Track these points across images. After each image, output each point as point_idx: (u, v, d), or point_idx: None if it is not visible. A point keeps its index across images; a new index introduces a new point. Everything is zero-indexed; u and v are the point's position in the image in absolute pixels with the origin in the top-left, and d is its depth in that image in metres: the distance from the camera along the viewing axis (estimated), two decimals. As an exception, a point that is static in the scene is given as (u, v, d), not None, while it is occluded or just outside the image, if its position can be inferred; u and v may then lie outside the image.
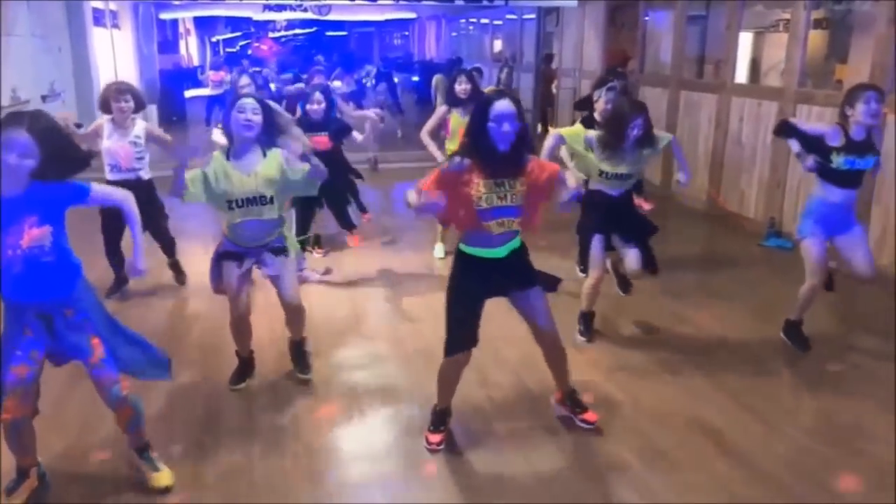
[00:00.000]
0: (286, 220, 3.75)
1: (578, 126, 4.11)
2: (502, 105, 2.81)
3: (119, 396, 2.70)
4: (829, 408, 3.61)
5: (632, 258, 4.17)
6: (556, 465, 3.09)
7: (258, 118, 3.41)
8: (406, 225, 6.84)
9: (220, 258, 3.56)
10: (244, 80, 5.68)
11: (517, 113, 2.84)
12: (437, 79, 11.58)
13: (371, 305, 5.00)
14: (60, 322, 2.63)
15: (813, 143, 3.94)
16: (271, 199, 3.44)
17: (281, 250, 3.59)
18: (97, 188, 2.69)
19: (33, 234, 2.51)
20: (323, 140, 5.26)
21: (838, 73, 8.75)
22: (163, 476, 2.86)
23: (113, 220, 4.88)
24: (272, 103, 4.90)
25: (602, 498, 2.88)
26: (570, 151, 4.24)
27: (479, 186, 2.86)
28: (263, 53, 27.09)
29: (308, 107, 5.29)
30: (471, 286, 3.03)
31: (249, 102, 3.43)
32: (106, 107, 4.72)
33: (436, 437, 3.21)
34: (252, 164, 3.42)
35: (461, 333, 3.03)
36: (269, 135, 3.49)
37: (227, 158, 3.42)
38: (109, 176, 4.79)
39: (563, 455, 3.17)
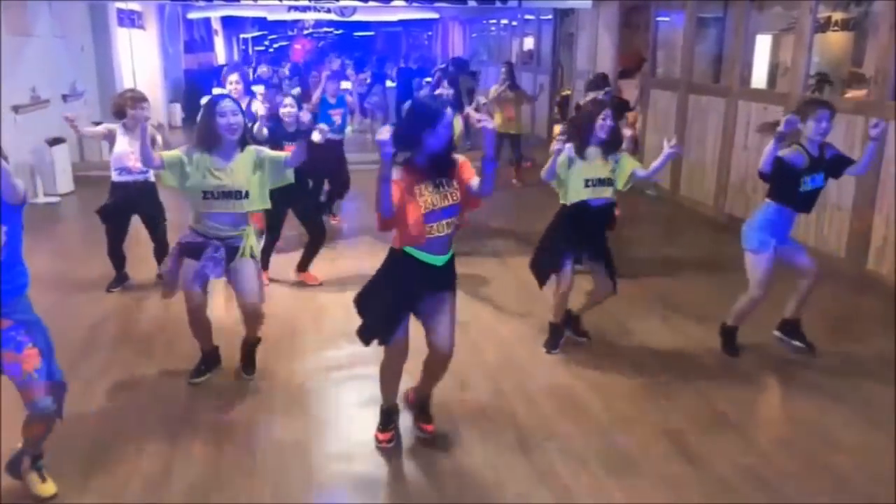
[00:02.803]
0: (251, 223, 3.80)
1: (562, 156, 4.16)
2: (449, 113, 2.94)
3: (50, 407, 2.70)
4: (802, 417, 3.58)
5: (606, 285, 4.20)
6: (515, 467, 3.13)
7: (239, 118, 3.56)
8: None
9: (181, 253, 3.65)
10: (233, 76, 5.77)
11: (452, 121, 2.96)
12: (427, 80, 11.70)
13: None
14: (4, 337, 2.62)
15: (784, 169, 3.91)
16: (247, 193, 3.59)
17: (237, 250, 3.66)
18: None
19: None
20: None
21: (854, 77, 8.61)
22: (48, 486, 2.86)
23: (115, 220, 5.11)
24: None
25: (553, 499, 2.92)
26: (561, 185, 4.14)
27: (423, 191, 2.93)
28: (296, 53, 27.42)
29: (282, 111, 5.27)
30: (406, 288, 3.03)
31: (228, 106, 3.55)
32: (120, 113, 4.90)
33: (384, 435, 3.29)
34: (231, 161, 3.58)
35: (382, 326, 3.04)
36: (245, 130, 3.65)
37: (209, 155, 3.55)
38: (118, 178, 5.00)
39: (524, 456, 3.20)
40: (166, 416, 3.51)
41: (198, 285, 3.66)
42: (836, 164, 4.05)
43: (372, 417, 3.52)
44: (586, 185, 4.06)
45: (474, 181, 2.97)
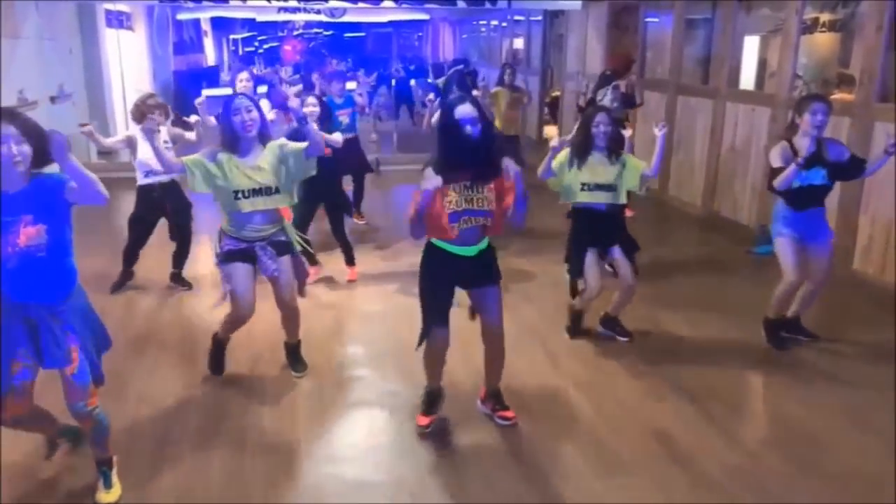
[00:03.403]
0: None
1: (562, 153, 4.19)
2: (463, 109, 3.00)
3: (83, 411, 2.74)
4: (791, 417, 3.61)
5: (627, 272, 4.26)
6: (505, 468, 3.14)
7: (254, 114, 3.54)
8: (399, 226, 6.91)
9: (225, 259, 3.62)
10: (243, 74, 5.78)
11: (478, 115, 3.01)
12: (440, 82, 11.72)
13: (357, 307, 5.08)
14: (44, 329, 2.65)
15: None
16: (277, 189, 3.59)
17: (283, 246, 3.70)
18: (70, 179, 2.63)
19: (29, 233, 2.54)
20: None
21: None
22: (108, 495, 2.86)
23: (141, 227, 5.19)
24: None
25: (542, 500, 2.93)
26: (558, 183, 4.20)
27: (449, 192, 3.03)
28: (287, 54, 27.35)
29: (304, 109, 5.33)
30: (440, 277, 3.20)
31: (243, 103, 3.54)
32: (141, 117, 4.90)
33: (424, 420, 3.39)
34: (256, 158, 3.58)
35: (433, 321, 3.22)
36: (265, 127, 3.64)
37: (234, 155, 3.55)
38: (145, 180, 5.07)
39: (513, 458, 3.21)
40: (154, 419, 3.50)
41: (250, 293, 3.65)
42: (844, 168, 4.04)
43: (363, 419, 3.56)
44: (582, 189, 4.11)
45: (510, 210, 3.10)
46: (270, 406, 3.66)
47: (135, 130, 4.99)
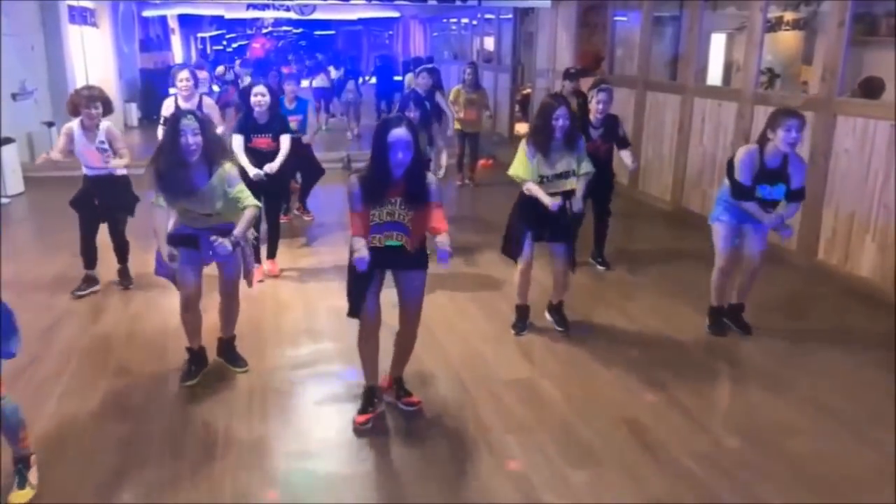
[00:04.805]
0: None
1: (520, 150, 4.24)
2: (398, 133, 3.00)
3: None
4: (756, 403, 3.67)
5: (560, 257, 4.32)
6: (477, 460, 3.15)
7: (199, 139, 3.40)
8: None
9: (171, 241, 3.59)
10: (183, 73, 5.66)
11: (411, 141, 3.00)
12: (408, 78, 11.71)
13: (322, 302, 5.04)
14: None
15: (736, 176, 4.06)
16: (219, 211, 3.58)
17: (228, 234, 3.58)
18: None
19: None
20: (266, 141, 5.24)
21: (804, 75, 8.83)
22: (19, 495, 2.77)
23: (84, 209, 5.00)
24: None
25: (514, 490, 2.93)
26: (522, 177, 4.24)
27: (375, 206, 3.11)
28: (255, 52, 27.12)
29: (252, 99, 5.15)
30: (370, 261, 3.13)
31: (189, 124, 3.38)
32: (75, 111, 4.80)
33: (362, 418, 3.36)
34: (201, 184, 3.48)
35: (356, 302, 3.27)
36: (212, 151, 3.50)
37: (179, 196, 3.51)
38: (86, 172, 4.95)
39: (485, 449, 3.22)
40: (120, 419, 3.44)
41: (191, 272, 3.63)
42: (793, 192, 4.04)
43: (334, 415, 3.53)
44: (541, 181, 4.15)
45: (439, 238, 3.11)
46: (240, 403, 3.62)
47: (73, 123, 4.82)
